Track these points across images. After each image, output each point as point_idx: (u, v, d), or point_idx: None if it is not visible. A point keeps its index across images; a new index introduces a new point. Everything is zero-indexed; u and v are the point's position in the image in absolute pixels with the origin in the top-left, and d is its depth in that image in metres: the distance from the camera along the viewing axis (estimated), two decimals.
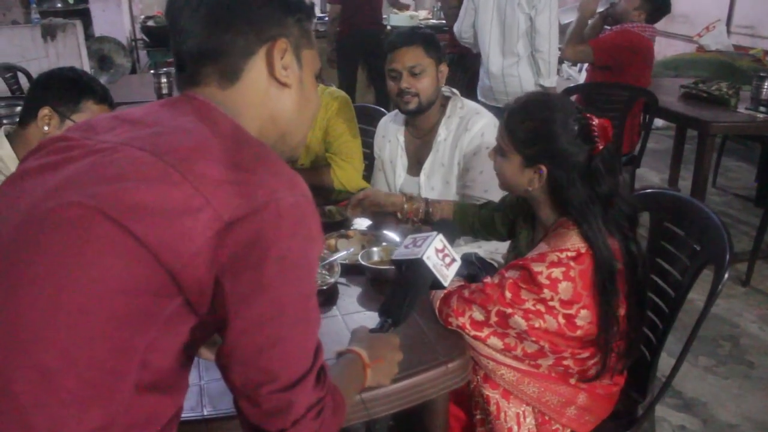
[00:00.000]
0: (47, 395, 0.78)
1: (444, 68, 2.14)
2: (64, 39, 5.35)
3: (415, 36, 2.11)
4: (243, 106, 0.96)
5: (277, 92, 0.98)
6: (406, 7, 6.32)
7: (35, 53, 5.22)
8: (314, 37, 1.04)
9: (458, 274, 1.85)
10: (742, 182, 4.87)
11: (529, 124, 1.49)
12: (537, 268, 1.40)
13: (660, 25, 3.81)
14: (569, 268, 1.39)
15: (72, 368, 0.78)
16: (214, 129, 0.87)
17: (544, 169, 1.48)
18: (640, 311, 1.53)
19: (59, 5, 6.19)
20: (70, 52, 5.39)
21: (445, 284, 1.33)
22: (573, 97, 3.64)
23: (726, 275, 1.53)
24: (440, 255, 1.33)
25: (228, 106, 0.94)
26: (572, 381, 1.50)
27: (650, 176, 4.98)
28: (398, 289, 1.30)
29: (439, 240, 1.34)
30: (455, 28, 3.80)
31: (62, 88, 1.73)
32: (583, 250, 1.41)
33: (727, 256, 1.53)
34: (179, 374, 0.90)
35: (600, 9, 3.82)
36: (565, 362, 1.47)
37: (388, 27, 5.96)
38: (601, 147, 1.44)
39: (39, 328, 0.78)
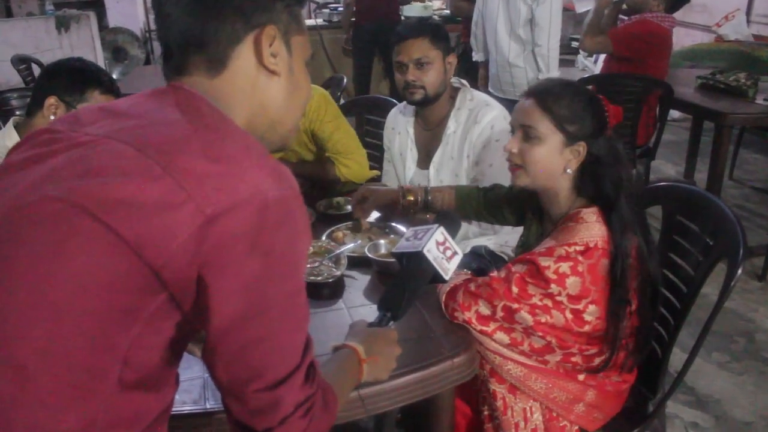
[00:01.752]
0: (25, 394, 0.77)
1: (452, 59, 2.11)
2: (78, 30, 5.39)
3: (422, 27, 2.08)
4: (231, 95, 0.93)
5: (266, 80, 0.95)
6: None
7: (49, 44, 5.26)
8: (305, 23, 1.02)
9: (467, 267, 1.85)
10: (759, 175, 4.80)
11: (568, 100, 1.46)
12: (544, 262, 1.38)
13: (678, 15, 3.74)
14: (577, 262, 1.37)
15: (51, 367, 0.77)
16: (198, 121, 0.85)
17: (584, 145, 1.45)
18: (651, 307, 1.50)
19: None
20: (84, 43, 5.43)
21: (446, 277, 1.31)
22: None
23: (739, 271, 1.49)
24: (441, 248, 1.31)
25: (215, 95, 0.91)
26: (581, 378, 1.48)
27: (666, 168, 4.93)
28: (398, 283, 1.28)
29: (440, 233, 1.32)
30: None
31: (69, 78, 1.74)
32: (591, 245, 1.38)
33: (741, 251, 1.50)
34: (165, 371, 0.88)
35: None
36: (573, 358, 1.45)
37: (403, 17, 5.92)
38: (611, 127, 1.46)
39: (17, 326, 0.77)
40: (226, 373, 0.84)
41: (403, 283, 1.28)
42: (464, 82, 2.21)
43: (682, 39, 6.65)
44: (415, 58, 2.06)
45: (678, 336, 1.62)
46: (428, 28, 2.09)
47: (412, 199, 1.90)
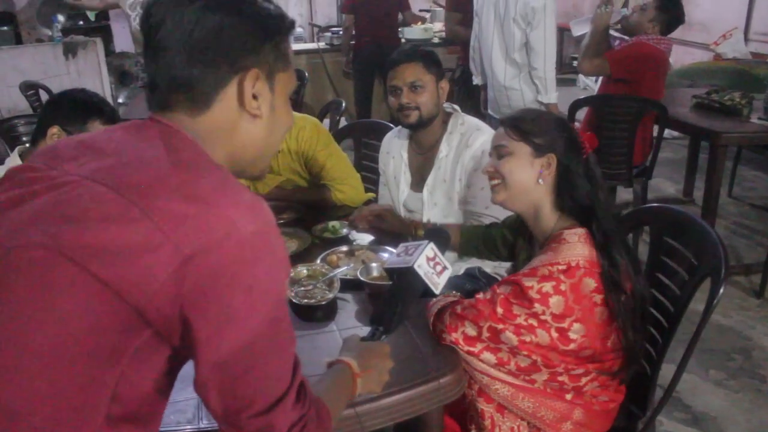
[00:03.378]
0: None
1: (445, 85, 2.17)
2: (85, 56, 5.49)
3: (415, 53, 2.16)
4: (212, 133, 0.95)
5: (248, 122, 0.97)
6: (420, 20, 6.35)
7: (57, 70, 5.36)
8: (292, 57, 1.03)
9: (461, 288, 1.89)
10: (758, 192, 4.82)
11: (532, 118, 1.57)
12: (528, 282, 1.42)
13: (676, 34, 3.76)
14: (560, 281, 1.41)
15: (40, 408, 0.80)
16: (175, 158, 0.87)
17: (553, 157, 1.52)
18: (640, 324, 1.53)
19: (81, 23, 6.33)
20: (90, 68, 5.52)
21: (437, 292, 1.36)
22: (583, 110, 3.65)
23: (722, 290, 1.53)
24: (431, 263, 1.35)
25: (197, 132, 0.94)
26: (568, 397, 1.51)
27: (665, 187, 4.95)
28: (389, 298, 1.32)
29: (430, 248, 1.37)
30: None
31: (71, 108, 1.81)
32: (573, 264, 1.42)
33: (723, 271, 1.54)
34: (155, 404, 0.91)
35: (613, 21, 3.80)
36: (559, 378, 1.48)
37: (403, 40, 6.00)
38: (587, 153, 1.52)
39: (4, 371, 0.80)
40: (219, 403, 0.87)
41: (394, 298, 1.33)
42: (456, 107, 2.26)
43: (682, 57, 6.70)
44: (408, 81, 2.12)
45: (666, 354, 1.65)
46: (421, 54, 2.16)
47: (422, 234, 1.93)
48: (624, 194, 4.28)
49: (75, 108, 1.81)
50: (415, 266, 1.33)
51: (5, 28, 6.25)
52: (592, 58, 3.62)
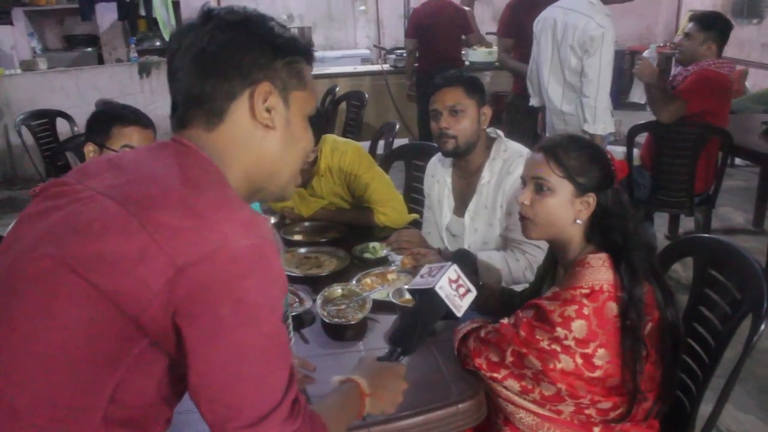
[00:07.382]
0: (15, 430, 0.86)
1: (487, 111, 2.16)
2: (158, 75, 5.79)
3: (456, 78, 2.17)
4: (228, 147, 0.99)
5: (262, 134, 1.01)
6: (486, 44, 6.32)
7: (132, 89, 5.68)
8: (309, 78, 1.06)
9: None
10: None
11: (576, 153, 1.50)
12: (550, 306, 1.40)
13: (756, 56, 3.60)
14: (582, 305, 1.38)
15: (42, 408, 0.86)
16: (182, 175, 0.92)
17: (593, 196, 1.48)
18: (672, 356, 1.49)
19: (158, 43, 6.63)
20: (162, 86, 5.81)
21: (459, 315, 1.35)
22: (642, 136, 3.55)
23: (763, 326, 1.47)
24: (454, 285, 1.35)
25: (213, 148, 0.98)
26: (596, 430, 1.47)
27: (734, 216, 4.75)
28: (411, 318, 1.33)
29: (453, 270, 1.36)
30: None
31: (95, 123, 1.91)
32: (596, 288, 1.39)
33: (765, 306, 1.48)
34: (158, 410, 0.95)
35: (654, 62, 3.63)
36: (586, 411, 1.45)
37: (467, 63, 6.00)
38: (617, 182, 1.49)
39: (10, 373, 0.86)
40: (208, 411, 0.90)
41: (415, 319, 1.33)
42: (499, 132, 2.26)
43: (761, 81, 6.47)
44: (449, 105, 2.13)
45: (706, 390, 1.59)
46: (463, 79, 2.17)
47: None
48: (688, 223, 4.14)
49: (97, 121, 1.91)
50: (437, 288, 1.34)
51: (89, 49, 6.64)
52: (667, 105, 3.35)
